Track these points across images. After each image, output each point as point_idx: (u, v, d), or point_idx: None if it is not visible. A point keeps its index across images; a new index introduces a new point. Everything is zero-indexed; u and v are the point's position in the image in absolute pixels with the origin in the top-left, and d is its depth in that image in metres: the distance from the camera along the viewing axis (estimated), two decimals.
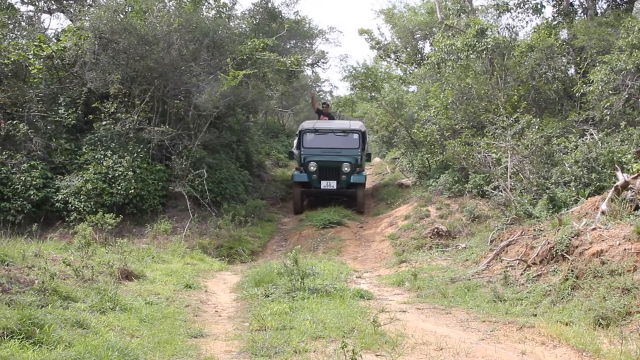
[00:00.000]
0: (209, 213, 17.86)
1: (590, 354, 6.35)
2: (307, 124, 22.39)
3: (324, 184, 20.71)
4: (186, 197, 17.52)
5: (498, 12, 22.93)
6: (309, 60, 34.49)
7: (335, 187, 20.78)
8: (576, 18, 20.52)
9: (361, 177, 21.20)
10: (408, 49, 33.36)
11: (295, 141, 22.68)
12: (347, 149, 21.08)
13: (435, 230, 15.81)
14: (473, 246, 13.68)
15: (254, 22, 26.64)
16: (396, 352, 6.38)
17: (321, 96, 43.48)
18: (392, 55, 34.44)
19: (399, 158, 26.76)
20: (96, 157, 17.04)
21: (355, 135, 21.37)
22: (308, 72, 37.29)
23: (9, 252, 9.92)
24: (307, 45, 35.56)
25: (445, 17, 25.20)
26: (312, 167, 20.57)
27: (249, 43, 20.57)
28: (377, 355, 6.33)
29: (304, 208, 21.91)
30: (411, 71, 32.09)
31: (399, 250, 15.58)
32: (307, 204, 22.20)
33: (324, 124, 22.70)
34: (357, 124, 22.83)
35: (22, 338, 5.87)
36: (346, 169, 20.57)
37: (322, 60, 35.33)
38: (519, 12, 21.88)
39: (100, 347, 6.02)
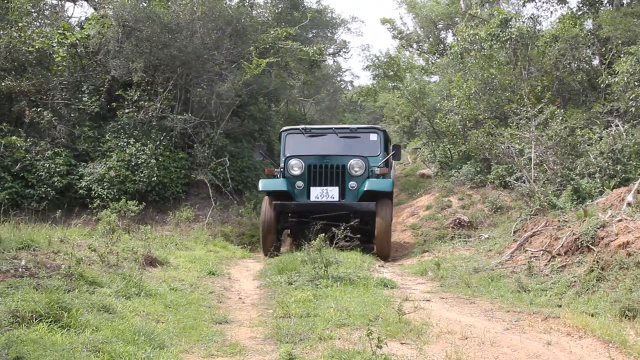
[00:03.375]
0: (230, 201, 17.95)
1: (617, 346, 6.30)
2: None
3: (316, 194, 13.12)
4: (208, 185, 17.63)
5: (522, 1, 22.78)
6: (331, 50, 34.47)
7: (336, 199, 13.04)
8: (601, 8, 20.33)
9: (385, 182, 13.49)
10: (430, 39, 33.30)
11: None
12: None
13: (457, 220, 15.79)
14: (496, 237, 13.63)
15: (276, 10, 26.62)
16: (421, 340, 6.37)
17: (342, 86, 43.33)
18: (415, 45, 34.37)
19: (420, 148, 26.73)
20: (119, 144, 17.16)
21: (374, 136, 14.47)
22: (330, 61, 37.25)
23: (35, 237, 9.98)
24: (329, 34, 35.56)
25: (469, 6, 25.06)
26: (296, 168, 13.29)
27: (272, 32, 20.58)
28: (402, 344, 6.32)
29: (281, 243, 14.69)
30: (433, 61, 32.01)
31: (420, 240, 15.59)
32: (288, 236, 15.43)
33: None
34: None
35: (51, 321, 5.91)
36: (357, 170, 13.22)
37: (344, 50, 35.30)
38: (543, 2, 21.71)
39: (127, 331, 6.06)
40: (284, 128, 14.86)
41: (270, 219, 13.06)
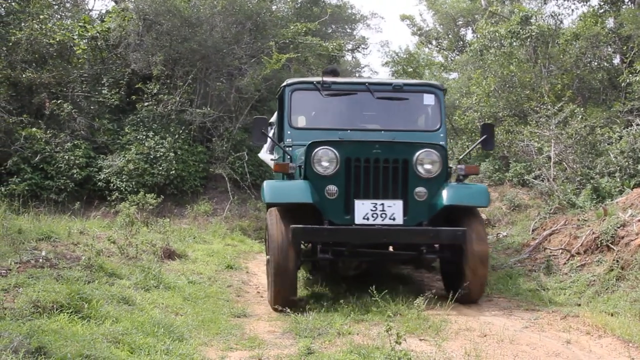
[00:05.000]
0: (248, 195, 17.95)
1: (637, 345, 6.27)
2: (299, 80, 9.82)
3: (364, 212, 7.83)
4: (226, 179, 17.66)
5: None
6: (350, 46, 34.39)
7: (400, 221, 7.87)
8: (623, 7, 20.14)
9: (477, 190, 8.52)
10: (450, 36, 33.13)
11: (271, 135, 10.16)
12: (408, 131, 9.22)
13: None
14: (514, 235, 13.56)
15: (296, 6, 26.64)
16: (440, 337, 6.35)
17: (358, 75, 43.28)
18: (434, 42, 34.23)
19: None
20: (138, 137, 17.21)
21: (430, 99, 9.54)
22: (349, 57, 37.18)
23: (55, 228, 10.08)
24: (348, 30, 35.48)
25: (489, 3, 24.95)
26: (326, 162, 7.90)
27: (292, 27, 20.59)
28: (420, 340, 6.33)
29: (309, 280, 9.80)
30: (453, 58, 31.88)
31: None
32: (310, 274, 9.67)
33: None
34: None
35: (71, 312, 5.97)
36: (428, 167, 8.03)
37: (363, 46, 35.20)
38: (564, 0, 21.55)
39: (146, 323, 6.11)
40: (289, 81, 9.55)
41: (286, 253, 7.52)
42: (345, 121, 9.37)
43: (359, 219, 7.71)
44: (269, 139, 10.00)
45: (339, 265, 8.24)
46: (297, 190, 7.83)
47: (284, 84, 9.52)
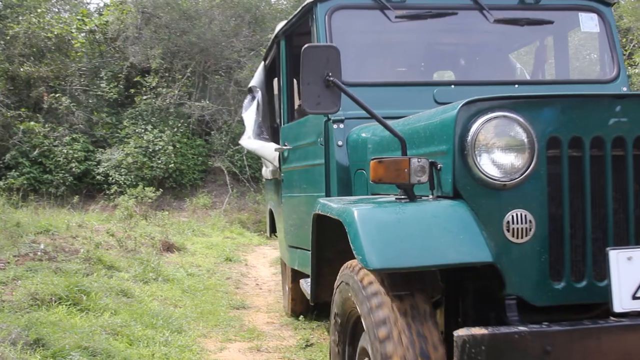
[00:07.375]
0: (247, 188, 17.94)
1: None
2: None
3: (634, 279, 2.28)
4: (225, 172, 17.63)
5: None
6: None
7: None
8: None
9: None
10: None
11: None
12: (558, 84, 4.67)
13: None
14: None
15: None
16: None
17: None
18: None
19: None
20: (137, 131, 17.20)
21: (591, 21, 4.87)
22: None
23: (53, 222, 10.07)
24: None
25: None
26: (505, 147, 2.48)
27: None
28: None
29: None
30: None
31: None
32: None
33: None
34: None
35: (70, 304, 5.95)
36: None
37: None
38: None
39: (145, 315, 6.10)
40: None
41: None
42: (439, 67, 5.55)
43: (626, 300, 2.35)
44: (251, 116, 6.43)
45: None
46: (458, 236, 2.47)
47: None
